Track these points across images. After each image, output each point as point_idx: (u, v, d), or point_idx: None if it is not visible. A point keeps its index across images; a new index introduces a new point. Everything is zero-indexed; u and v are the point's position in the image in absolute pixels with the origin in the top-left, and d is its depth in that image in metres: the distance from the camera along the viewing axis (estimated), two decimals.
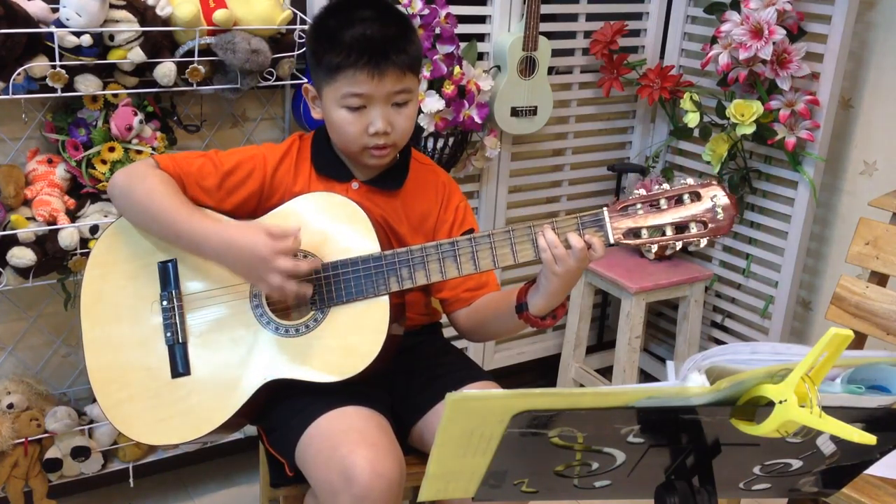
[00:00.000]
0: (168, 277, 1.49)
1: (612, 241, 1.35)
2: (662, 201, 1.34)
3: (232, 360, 1.46)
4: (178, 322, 1.48)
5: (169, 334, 1.47)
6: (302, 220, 1.46)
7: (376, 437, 1.38)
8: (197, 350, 1.47)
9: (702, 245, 1.36)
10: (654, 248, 1.36)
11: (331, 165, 1.56)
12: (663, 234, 1.34)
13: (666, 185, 1.35)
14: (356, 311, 1.43)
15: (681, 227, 1.34)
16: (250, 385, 1.44)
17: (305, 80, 1.56)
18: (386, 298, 1.42)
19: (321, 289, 1.44)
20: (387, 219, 1.56)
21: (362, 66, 1.43)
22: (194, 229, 1.41)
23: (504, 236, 1.39)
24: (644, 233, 1.34)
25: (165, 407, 1.46)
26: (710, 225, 1.33)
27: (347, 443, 1.35)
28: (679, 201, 1.34)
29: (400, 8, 1.71)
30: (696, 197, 1.33)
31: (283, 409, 1.47)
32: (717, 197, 1.33)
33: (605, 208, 1.36)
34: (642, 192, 1.36)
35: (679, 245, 1.35)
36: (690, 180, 1.36)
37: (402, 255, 1.42)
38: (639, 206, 1.34)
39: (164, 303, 1.48)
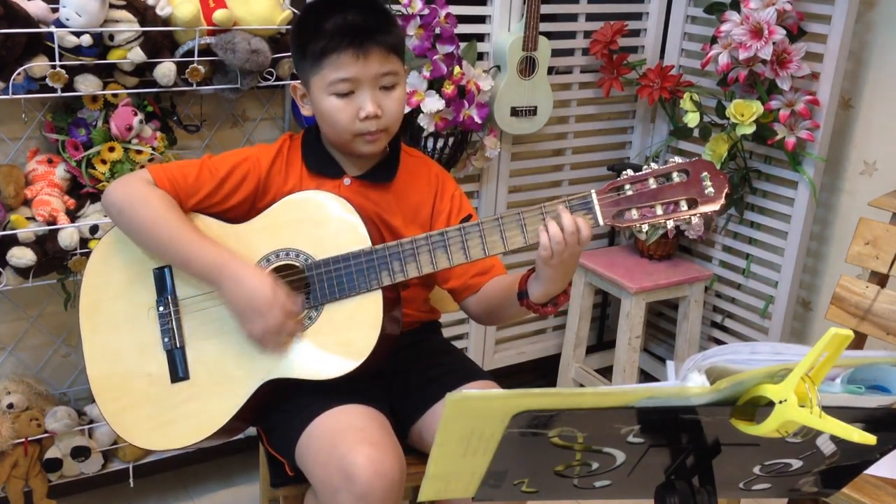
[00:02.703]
0: (164, 283, 1.49)
1: (601, 222, 1.34)
2: (651, 181, 1.32)
3: (230, 362, 1.46)
4: (175, 327, 1.48)
5: (167, 339, 1.48)
6: (293, 219, 1.47)
7: (377, 436, 1.38)
8: (195, 354, 1.47)
9: (693, 222, 1.34)
10: (646, 227, 1.35)
11: (322, 162, 1.57)
12: (654, 213, 1.33)
13: (654, 165, 1.34)
14: (350, 307, 1.43)
15: (671, 206, 1.32)
16: (249, 386, 1.44)
17: None
18: (379, 293, 1.42)
19: (314, 286, 1.44)
20: (380, 212, 1.56)
21: (345, 47, 1.43)
22: (206, 262, 1.43)
23: (493, 224, 1.39)
24: (634, 213, 1.33)
25: (167, 412, 1.46)
26: (699, 202, 1.32)
27: (347, 441, 1.35)
28: (668, 180, 1.32)
29: (387, 6, 1.71)
30: (684, 174, 1.32)
31: (282, 408, 1.47)
32: (705, 174, 1.31)
33: (593, 190, 1.35)
34: (629, 172, 1.34)
35: (671, 224, 1.33)
36: (678, 159, 1.35)
37: (392, 249, 1.42)
38: (627, 186, 1.33)
39: (161, 308, 1.49)
